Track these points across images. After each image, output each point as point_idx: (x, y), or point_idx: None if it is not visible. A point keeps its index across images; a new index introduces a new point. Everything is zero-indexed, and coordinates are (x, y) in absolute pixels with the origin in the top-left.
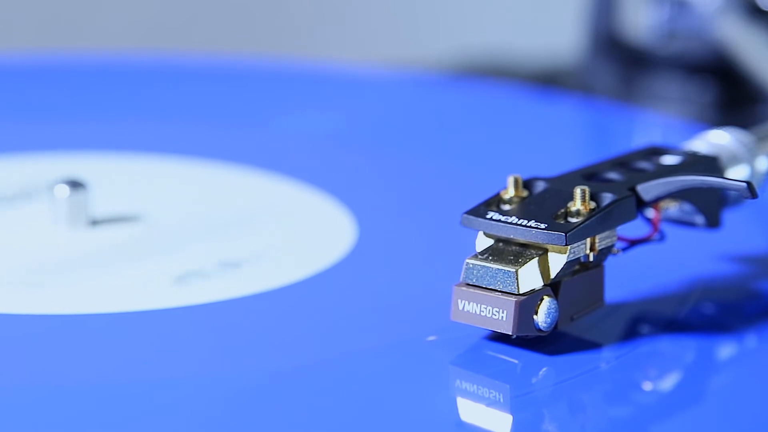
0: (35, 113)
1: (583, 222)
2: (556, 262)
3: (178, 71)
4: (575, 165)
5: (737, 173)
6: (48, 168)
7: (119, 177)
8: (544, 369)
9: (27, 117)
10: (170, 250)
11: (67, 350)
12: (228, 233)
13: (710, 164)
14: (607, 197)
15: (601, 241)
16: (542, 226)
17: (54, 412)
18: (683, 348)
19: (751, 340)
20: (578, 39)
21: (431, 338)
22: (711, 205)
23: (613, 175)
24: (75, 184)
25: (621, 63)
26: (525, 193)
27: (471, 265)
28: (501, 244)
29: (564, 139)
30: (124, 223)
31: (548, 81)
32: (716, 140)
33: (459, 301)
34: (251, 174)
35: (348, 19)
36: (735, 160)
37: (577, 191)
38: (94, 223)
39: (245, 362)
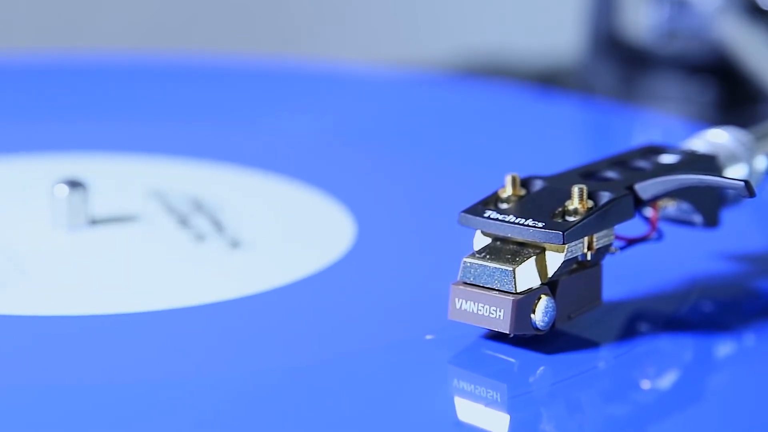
0: (35, 113)
1: (580, 221)
2: (554, 260)
3: (178, 71)
4: (575, 165)
5: (735, 172)
6: (48, 168)
7: (119, 177)
8: (541, 368)
9: (27, 117)
10: (169, 250)
11: (67, 350)
12: (227, 233)
13: (708, 163)
14: (605, 196)
15: (598, 239)
16: (540, 224)
17: (54, 412)
18: (682, 347)
19: (750, 338)
20: (578, 39)
21: (429, 337)
22: (709, 204)
23: (611, 174)
24: (75, 184)
25: (621, 63)
26: (523, 192)
27: (468, 264)
28: (498, 242)
29: (564, 139)
30: (124, 223)
31: (548, 81)
32: (715, 139)
33: (456, 299)
34: (251, 174)
35: (348, 19)
36: (733, 159)
37: (575, 190)
38: (94, 222)
39: (244, 362)
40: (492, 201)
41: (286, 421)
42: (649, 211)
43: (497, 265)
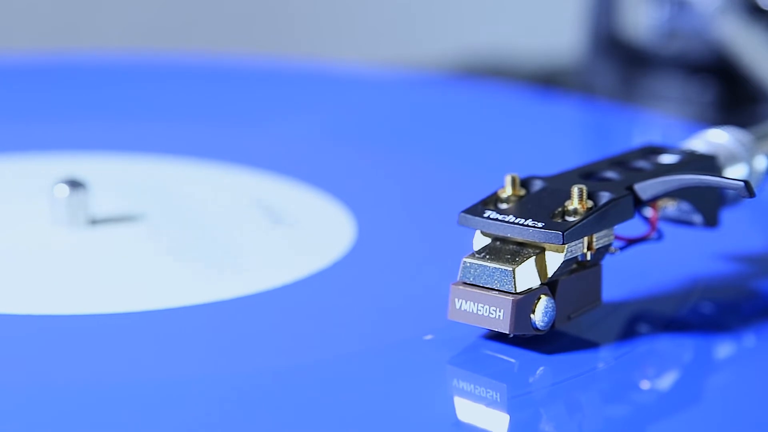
0: (35, 113)
1: (580, 221)
2: (554, 260)
3: (178, 71)
4: (575, 165)
5: (735, 172)
6: (48, 168)
7: (119, 177)
8: (541, 368)
9: (27, 117)
10: (169, 250)
11: (67, 350)
12: (227, 233)
13: (708, 163)
14: (605, 196)
15: (598, 240)
16: (539, 224)
17: (54, 412)
18: (682, 347)
19: (750, 339)
20: (578, 39)
21: (428, 337)
22: (709, 204)
23: (610, 174)
24: (75, 184)
25: (621, 63)
26: (522, 192)
27: (468, 264)
28: (498, 242)
29: (564, 139)
30: (124, 223)
31: (548, 81)
32: (714, 139)
33: (456, 300)
34: (251, 174)
35: (348, 19)
36: (733, 159)
37: (575, 190)
38: (94, 222)
39: (244, 362)
40: (492, 201)
41: (286, 421)
42: (648, 212)
43: (497, 265)
